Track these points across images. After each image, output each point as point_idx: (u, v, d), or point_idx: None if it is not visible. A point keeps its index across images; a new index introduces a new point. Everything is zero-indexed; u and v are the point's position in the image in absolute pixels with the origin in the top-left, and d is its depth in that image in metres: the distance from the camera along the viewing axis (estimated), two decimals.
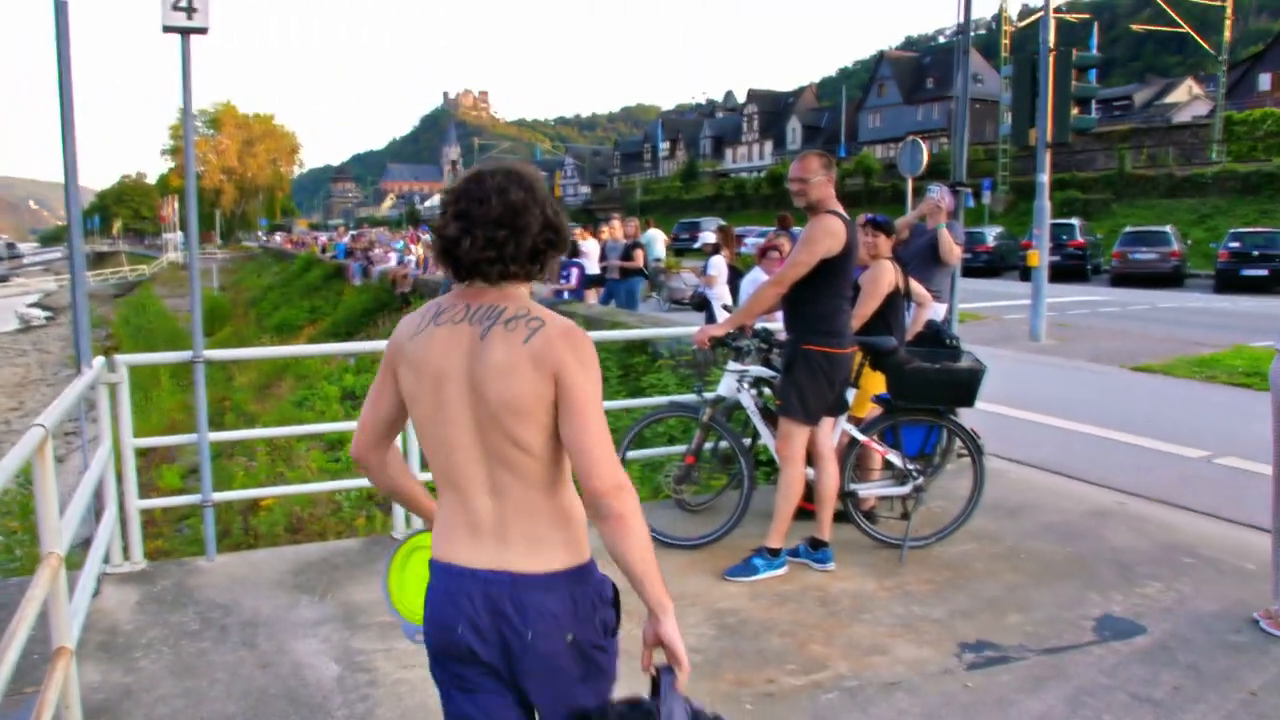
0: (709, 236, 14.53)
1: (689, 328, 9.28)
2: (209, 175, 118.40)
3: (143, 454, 6.10)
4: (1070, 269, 30.15)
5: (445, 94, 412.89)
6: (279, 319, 34.51)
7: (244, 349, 6.66)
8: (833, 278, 5.15)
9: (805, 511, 5.77)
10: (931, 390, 5.62)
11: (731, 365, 5.87)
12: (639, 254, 16.59)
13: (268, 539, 11.35)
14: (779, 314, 5.68)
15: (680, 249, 45.06)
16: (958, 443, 6.10)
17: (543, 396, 2.12)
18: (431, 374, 2.19)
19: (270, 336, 31.38)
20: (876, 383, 5.90)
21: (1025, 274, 29.81)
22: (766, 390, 5.96)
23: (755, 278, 11.08)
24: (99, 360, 5.32)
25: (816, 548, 5.54)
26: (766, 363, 5.91)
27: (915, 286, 6.53)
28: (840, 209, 5.20)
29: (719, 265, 13.41)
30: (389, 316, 25.97)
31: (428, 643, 2.27)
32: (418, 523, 5.94)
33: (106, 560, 5.51)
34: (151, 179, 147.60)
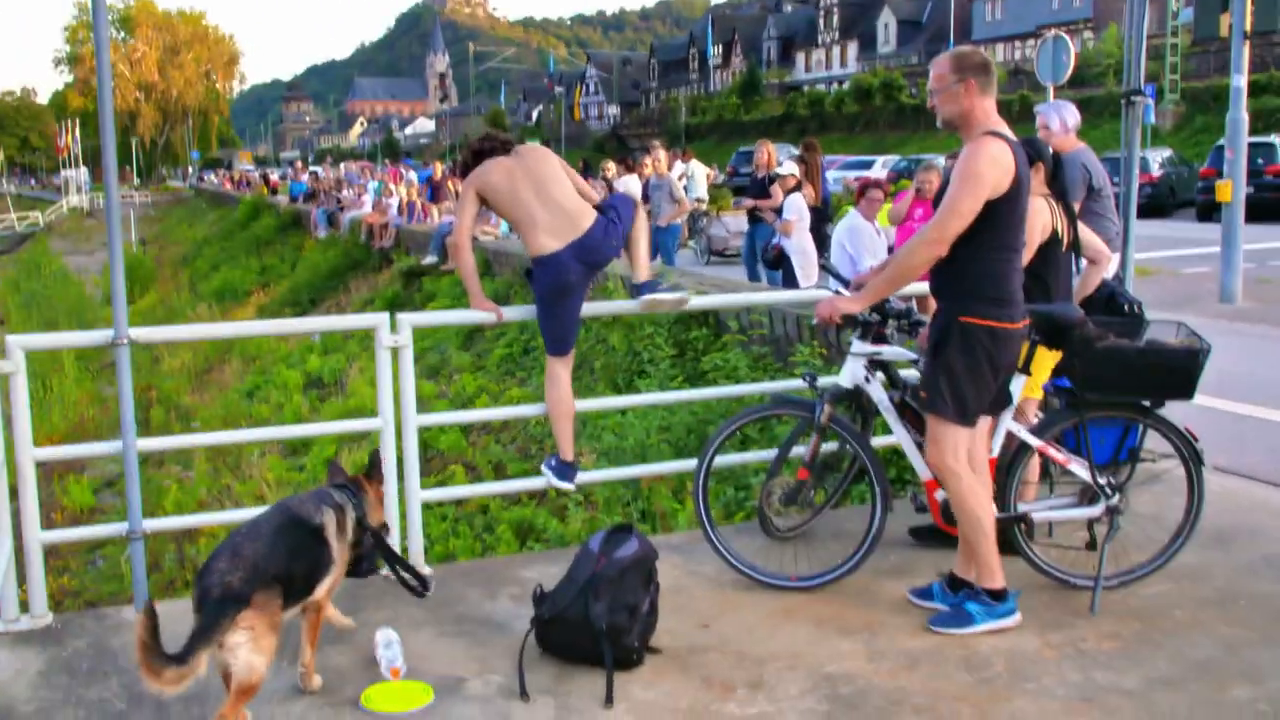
0: (789, 166, 13.96)
1: (764, 294, 9.06)
2: (121, 93, 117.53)
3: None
4: (1269, 204, 28.68)
5: None
6: (219, 283, 34.59)
7: (180, 327, 6.52)
8: (998, 225, 4.90)
9: (941, 533, 5.64)
10: (1134, 377, 5.34)
11: (857, 346, 5.64)
12: (777, 190, 14.32)
13: None
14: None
15: (740, 186, 44.70)
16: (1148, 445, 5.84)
17: None
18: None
19: (208, 306, 31.41)
20: (1046, 366, 5.63)
21: (1205, 212, 29.18)
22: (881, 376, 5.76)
23: (854, 225, 10.91)
24: None
25: (956, 588, 5.33)
26: (880, 338, 5.69)
27: (1088, 236, 6.24)
28: (1004, 128, 4.96)
29: (798, 206, 13.12)
30: (365, 278, 25.83)
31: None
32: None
33: None
34: (42, 98, 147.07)
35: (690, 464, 6.97)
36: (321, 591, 4.57)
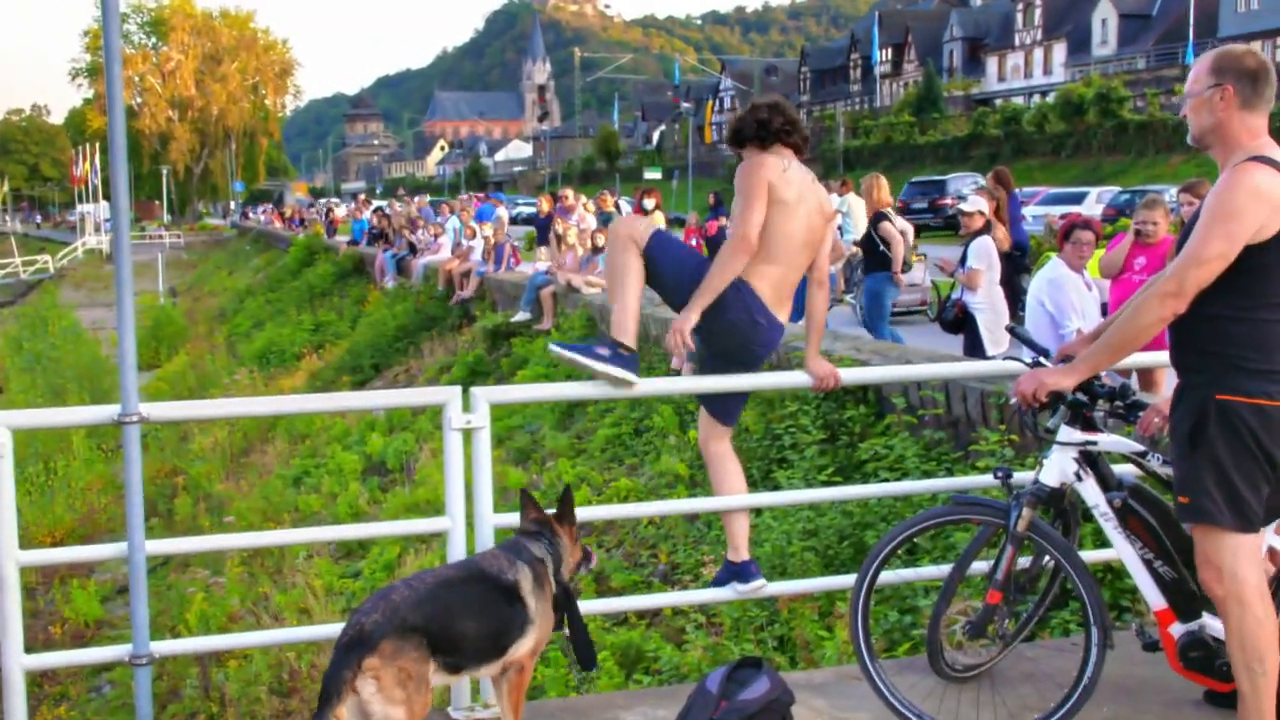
0: (974, 201, 13.71)
1: (940, 365, 8.93)
2: (150, 111, 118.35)
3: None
4: None
5: None
6: (263, 343, 35.10)
7: (203, 402, 6.56)
8: (1266, 277, 4.76)
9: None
10: None
11: (1065, 434, 5.49)
12: (888, 231, 15.74)
13: (242, 705, 11.39)
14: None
15: (916, 225, 44.50)
16: None
17: None
18: None
19: (250, 372, 31.76)
20: None
21: None
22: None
23: (1056, 276, 10.68)
24: None
25: None
26: (1088, 424, 5.52)
27: None
28: (1275, 152, 4.82)
29: (987, 252, 12.93)
30: (442, 339, 25.93)
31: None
32: (489, 694, 5.75)
33: None
34: (56, 117, 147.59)
35: (842, 580, 6.87)
36: (519, 653, 5.10)
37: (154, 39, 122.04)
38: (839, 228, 20.75)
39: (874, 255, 16.13)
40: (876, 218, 16.08)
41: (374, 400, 8.86)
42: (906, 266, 16.47)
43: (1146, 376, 10.36)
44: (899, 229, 15.98)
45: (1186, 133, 5.06)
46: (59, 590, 16.51)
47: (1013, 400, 5.37)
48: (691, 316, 6.17)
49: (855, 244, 16.53)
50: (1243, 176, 4.70)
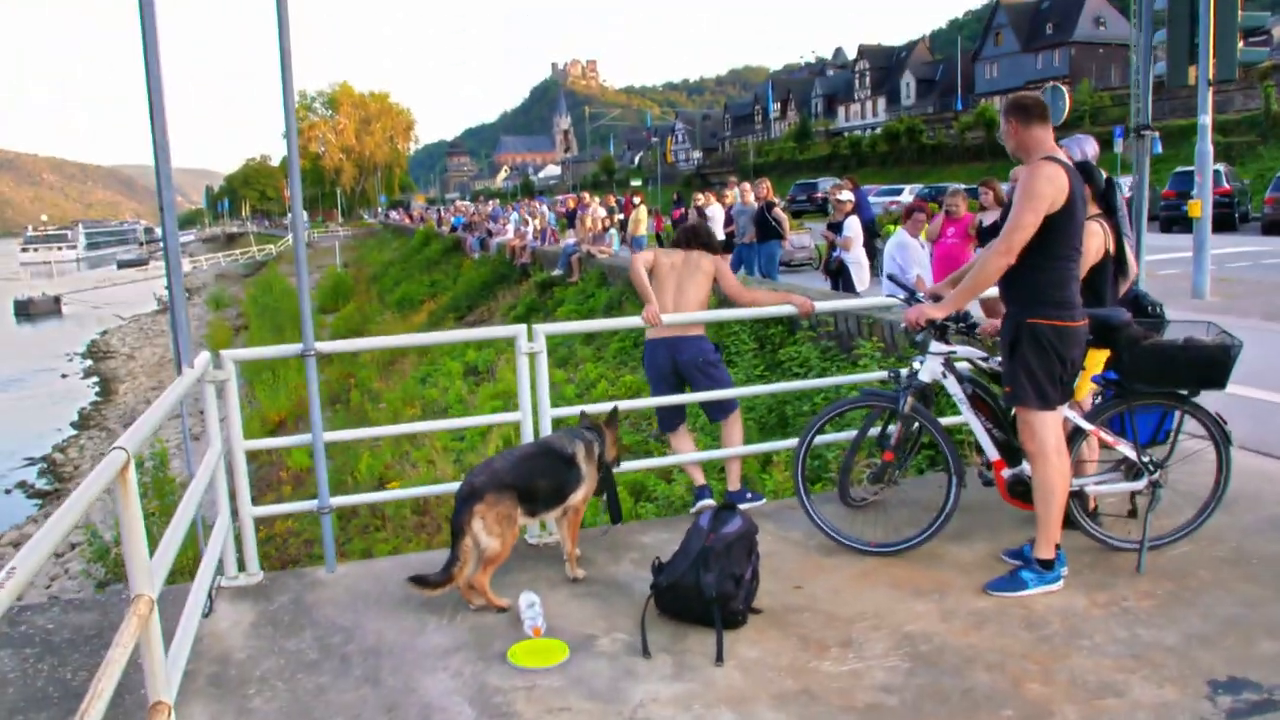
0: (847, 195, 13.54)
1: (834, 302, 8.48)
2: (329, 155, 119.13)
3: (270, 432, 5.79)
4: (1217, 218, 27.74)
5: (554, 65, 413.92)
6: (400, 294, 34.71)
7: (354, 340, 6.17)
8: (1057, 237, 4.45)
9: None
10: (1174, 370, 4.80)
11: (935, 346, 5.10)
12: (780, 214, 16.45)
13: (396, 520, 11.11)
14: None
15: (797, 211, 44.03)
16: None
17: None
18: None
19: (392, 313, 31.50)
20: (1096, 362, 5.03)
21: (1167, 225, 28.03)
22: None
23: (903, 241, 10.30)
24: (203, 357, 4.81)
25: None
26: (942, 337, 5.09)
27: (1129, 254, 5.56)
28: (1060, 154, 4.51)
29: (856, 227, 12.76)
30: (509, 289, 25.71)
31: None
32: (551, 525, 5.35)
33: (221, 572, 5.01)
34: (273, 161, 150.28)
35: (774, 445, 6.54)
36: (575, 500, 4.89)
37: (330, 111, 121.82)
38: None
39: (767, 229, 16.19)
40: (768, 206, 16.35)
41: (469, 335, 8.46)
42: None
43: (992, 304, 9.96)
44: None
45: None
46: (287, 454, 16.18)
47: (903, 326, 4.96)
48: (653, 306, 5.88)
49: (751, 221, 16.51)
50: (1039, 169, 4.44)
